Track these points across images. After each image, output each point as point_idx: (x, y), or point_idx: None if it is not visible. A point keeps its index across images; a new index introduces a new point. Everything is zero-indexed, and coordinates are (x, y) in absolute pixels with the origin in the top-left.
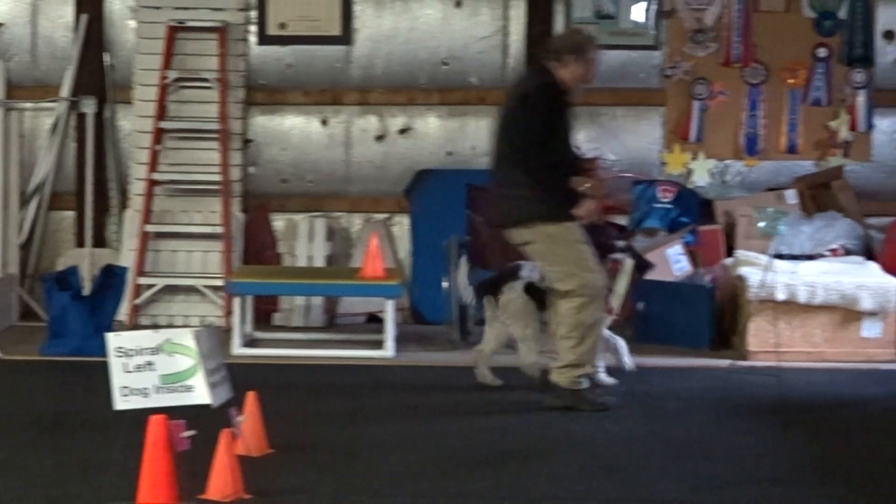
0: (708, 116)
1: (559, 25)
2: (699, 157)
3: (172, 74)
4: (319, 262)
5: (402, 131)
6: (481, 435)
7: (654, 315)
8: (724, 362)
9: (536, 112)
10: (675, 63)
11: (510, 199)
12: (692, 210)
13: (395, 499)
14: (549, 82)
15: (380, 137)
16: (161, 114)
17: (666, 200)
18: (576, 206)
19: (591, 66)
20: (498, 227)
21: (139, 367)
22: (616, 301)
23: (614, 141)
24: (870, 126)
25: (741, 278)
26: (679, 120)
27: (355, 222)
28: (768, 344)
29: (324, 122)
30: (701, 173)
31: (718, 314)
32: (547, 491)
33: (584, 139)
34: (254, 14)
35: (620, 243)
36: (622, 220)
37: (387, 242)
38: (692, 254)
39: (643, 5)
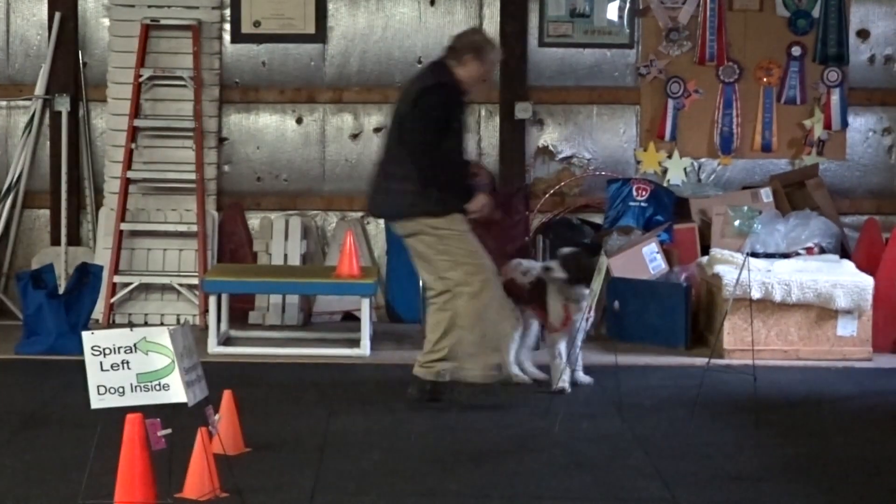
0: (682, 115)
1: (534, 24)
2: (674, 155)
3: (147, 72)
4: (295, 260)
5: (377, 130)
6: (457, 433)
7: (630, 313)
8: (700, 361)
9: (430, 110)
10: (650, 62)
11: (396, 192)
12: (667, 208)
13: (371, 496)
14: (444, 81)
15: (355, 136)
16: (135, 112)
17: (641, 199)
18: (466, 202)
19: (490, 67)
20: (380, 217)
21: (115, 366)
22: (591, 300)
23: (589, 139)
24: (844, 124)
25: (716, 277)
26: (654, 118)
27: (330, 220)
28: (743, 342)
29: (298, 121)
30: (676, 172)
31: (694, 313)
32: (522, 488)
33: (559, 137)
34: (228, 12)
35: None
36: (597, 219)
37: (362, 241)
38: (667, 252)
39: (617, 4)
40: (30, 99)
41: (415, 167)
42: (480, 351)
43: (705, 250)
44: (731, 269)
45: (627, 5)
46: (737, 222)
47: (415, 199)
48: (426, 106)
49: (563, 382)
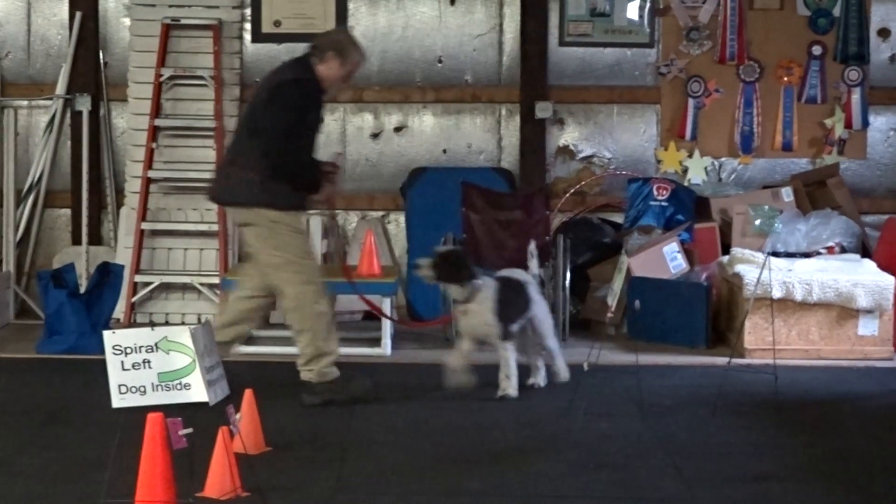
0: (703, 114)
1: (554, 23)
2: (694, 154)
3: (167, 72)
4: (316, 259)
5: (398, 129)
6: (477, 432)
7: (650, 313)
8: (721, 360)
9: (286, 104)
10: (670, 61)
11: (240, 180)
12: (688, 208)
13: (391, 496)
14: (304, 77)
15: (375, 135)
16: (156, 111)
17: (661, 198)
18: (311, 197)
19: (352, 68)
20: (219, 202)
21: (136, 365)
22: (613, 299)
23: (609, 139)
24: (865, 123)
25: (737, 276)
26: (674, 118)
27: (351, 220)
28: (764, 342)
29: None
30: (696, 171)
31: (714, 312)
32: (542, 489)
33: (579, 137)
34: (248, 12)
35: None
36: (617, 218)
37: (382, 240)
38: (688, 252)
39: (637, 3)
40: (51, 98)
41: (264, 159)
42: (314, 350)
43: (726, 250)
44: (751, 268)
45: (648, 4)
46: (757, 222)
47: (258, 189)
48: (282, 100)
49: (507, 390)
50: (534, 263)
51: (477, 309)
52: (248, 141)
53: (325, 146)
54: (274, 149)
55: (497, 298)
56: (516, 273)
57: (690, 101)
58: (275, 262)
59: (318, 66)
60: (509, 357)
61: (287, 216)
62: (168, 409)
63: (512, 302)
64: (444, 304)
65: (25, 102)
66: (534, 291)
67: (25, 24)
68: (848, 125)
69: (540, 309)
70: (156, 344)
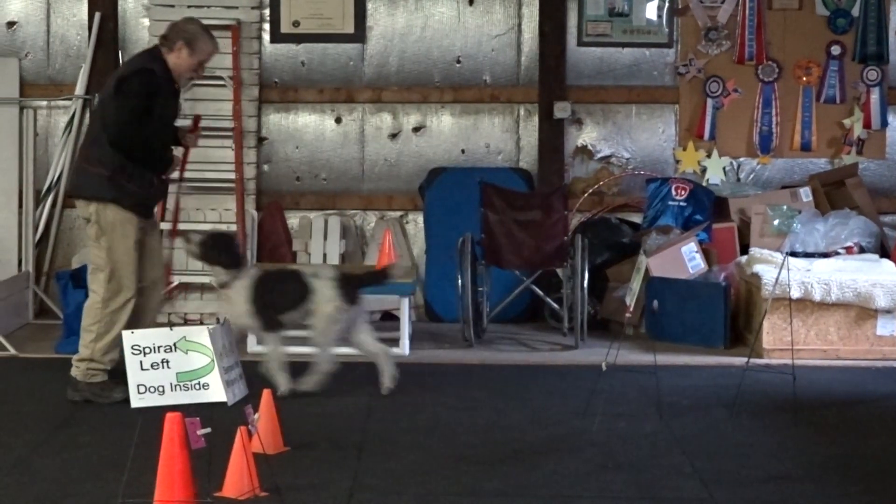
0: (721, 114)
1: (572, 23)
2: (713, 154)
3: None
4: (334, 259)
5: (416, 129)
6: (494, 432)
7: (668, 313)
8: (739, 360)
9: (128, 97)
10: (689, 61)
11: (87, 173)
12: (706, 208)
13: (409, 496)
14: (146, 68)
15: (393, 135)
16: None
17: (680, 198)
18: (157, 196)
19: (203, 57)
20: (70, 195)
21: (155, 365)
22: (631, 299)
23: (628, 139)
24: (884, 123)
25: (756, 276)
26: (693, 118)
27: (369, 220)
28: (783, 342)
29: (337, 120)
30: (715, 171)
31: (733, 312)
32: (560, 488)
33: (598, 137)
34: (267, 12)
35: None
36: (636, 218)
37: (401, 240)
38: (706, 252)
39: (656, 3)
40: (70, 99)
41: (113, 151)
42: (90, 353)
43: (744, 250)
44: (770, 268)
45: (666, 4)
46: (776, 222)
47: (106, 185)
48: (126, 91)
49: (280, 388)
50: None
51: (233, 296)
52: (99, 135)
53: (343, 146)
54: (120, 140)
55: (255, 287)
56: (303, 266)
57: (709, 101)
58: (98, 262)
59: (168, 56)
60: (271, 351)
61: (123, 217)
62: (187, 409)
63: (276, 292)
64: (461, 303)
65: (45, 103)
66: (318, 283)
67: (45, 24)
68: (867, 125)
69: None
70: (174, 344)
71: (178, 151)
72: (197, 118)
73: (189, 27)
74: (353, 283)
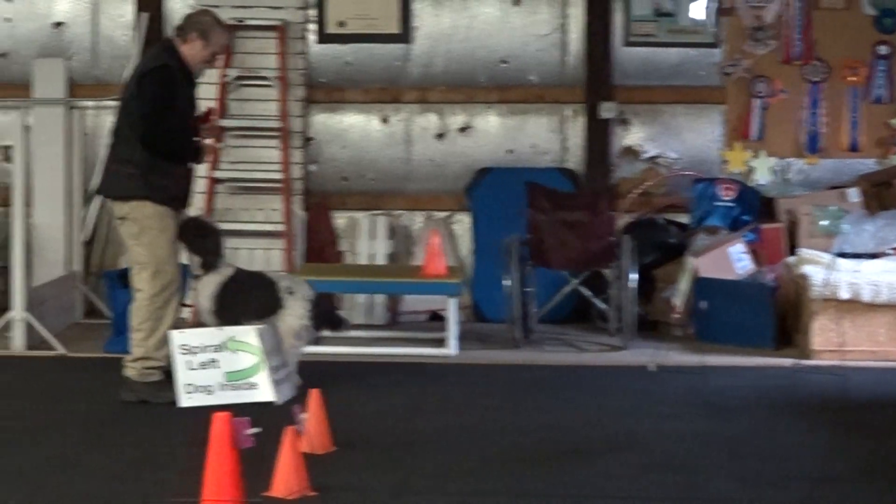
0: (768, 114)
1: (618, 23)
2: (760, 155)
3: (232, 73)
4: (380, 259)
5: (462, 129)
6: (540, 432)
7: (716, 314)
8: (787, 361)
9: (152, 93)
10: (735, 61)
11: (118, 173)
12: (754, 208)
13: (457, 495)
14: (163, 64)
15: (440, 135)
16: (222, 112)
17: (727, 199)
18: (186, 192)
19: (216, 49)
20: (104, 195)
21: (203, 365)
22: (679, 300)
23: (675, 139)
24: None
25: (804, 277)
26: (739, 118)
27: (416, 220)
28: (832, 343)
29: (384, 120)
30: (762, 171)
31: (781, 313)
32: (605, 489)
33: (644, 137)
34: (313, 12)
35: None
36: (683, 219)
37: (448, 240)
38: (754, 252)
39: (702, 3)
40: (116, 99)
41: (142, 148)
42: (144, 351)
43: (792, 250)
44: (818, 269)
45: (712, 4)
46: (824, 222)
47: (138, 183)
48: (147, 89)
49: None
50: None
51: (200, 289)
52: (126, 133)
53: (389, 146)
54: (148, 136)
55: (224, 286)
56: (282, 277)
57: (756, 101)
58: (141, 259)
59: (182, 47)
60: None
61: (162, 211)
62: (235, 409)
63: (244, 297)
64: (508, 304)
65: (92, 103)
66: (290, 300)
67: (91, 24)
68: None
69: (287, 320)
70: (223, 344)
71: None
72: (208, 111)
73: (203, 18)
74: (326, 307)
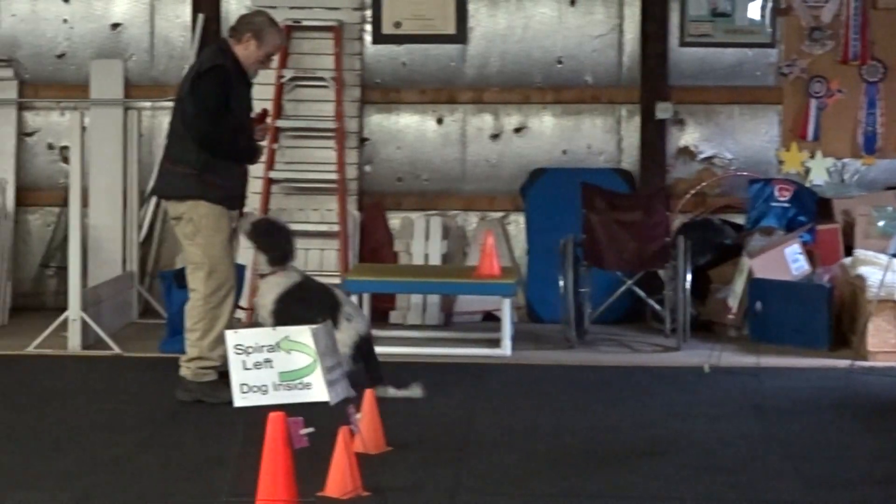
0: (825, 114)
1: (674, 23)
2: (816, 155)
3: (288, 73)
4: (435, 260)
5: (517, 130)
6: (594, 433)
7: (772, 314)
8: (843, 363)
9: (207, 94)
10: (792, 61)
11: (175, 173)
12: (810, 209)
13: (510, 497)
14: (218, 65)
15: (495, 136)
16: (277, 112)
17: (783, 199)
18: (243, 189)
19: (270, 49)
20: (159, 195)
21: (258, 365)
22: (734, 300)
23: (730, 139)
24: None
25: (860, 278)
26: (796, 118)
27: (471, 221)
28: (888, 344)
29: (439, 121)
30: (818, 172)
31: (836, 314)
32: (660, 490)
33: (700, 137)
34: (369, 13)
35: None
36: (738, 219)
37: (502, 241)
38: (810, 253)
39: (759, 3)
40: (172, 100)
41: (199, 149)
42: (198, 351)
43: (849, 251)
44: (875, 270)
45: (769, 4)
46: (881, 223)
47: (194, 182)
48: (202, 89)
49: None
50: None
51: (264, 290)
52: (182, 133)
53: (445, 147)
54: (205, 137)
55: (288, 290)
56: (347, 302)
57: (812, 102)
58: (196, 259)
59: (236, 48)
60: None
61: (218, 211)
62: (289, 409)
63: (304, 306)
64: (562, 304)
65: (148, 104)
66: (344, 324)
67: (149, 26)
68: None
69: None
70: (277, 343)
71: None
72: (264, 112)
73: (257, 19)
74: (371, 353)
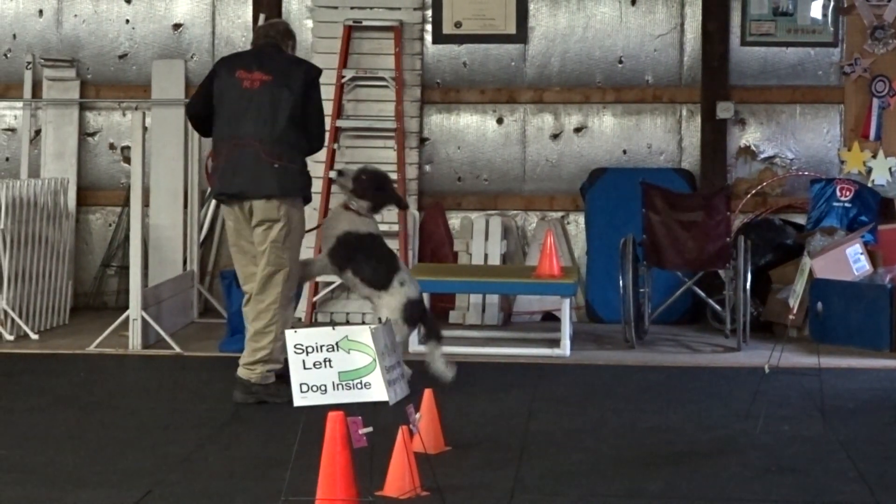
0: (888, 114)
1: (735, 22)
2: (878, 155)
3: (349, 73)
4: (495, 260)
5: (578, 130)
6: (656, 434)
7: (833, 315)
8: None
9: (319, 99)
10: (854, 60)
11: (288, 170)
12: (871, 209)
13: (570, 497)
14: (319, 70)
15: (555, 136)
16: (338, 112)
17: (844, 199)
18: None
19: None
20: (258, 197)
21: (317, 364)
22: (794, 301)
23: (791, 139)
24: None
25: None
26: (858, 118)
27: (530, 220)
28: None
29: (499, 121)
30: (880, 171)
31: None
32: (721, 491)
33: (761, 137)
34: (429, 13)
35: None
36: (799, 219)
37: (562, 241)
38: (871, 253)
39: (821, 2)
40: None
41: (297, 150)
42: (268, 354)
43: None
44: None
45: (831, 3)
46: None
47: (296, 181)
48: (319, 96)
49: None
50: None
51: (339, 220)
52: (287, 130)
53: (505, 146)
54: (319, 138)
55: (356, 232)
56: (405, 268)
57: (875, 101)
58: (279, 263)
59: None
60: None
61: (304, 215)
62: (348, 408)
63: (364, 253)
64: (622, 304)
65: None
66: (396, 287)
67: (210, 26)
68: None
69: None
70: (336, 343)
71: None
72: None
73: (287, 26)
74: (425, 313)
